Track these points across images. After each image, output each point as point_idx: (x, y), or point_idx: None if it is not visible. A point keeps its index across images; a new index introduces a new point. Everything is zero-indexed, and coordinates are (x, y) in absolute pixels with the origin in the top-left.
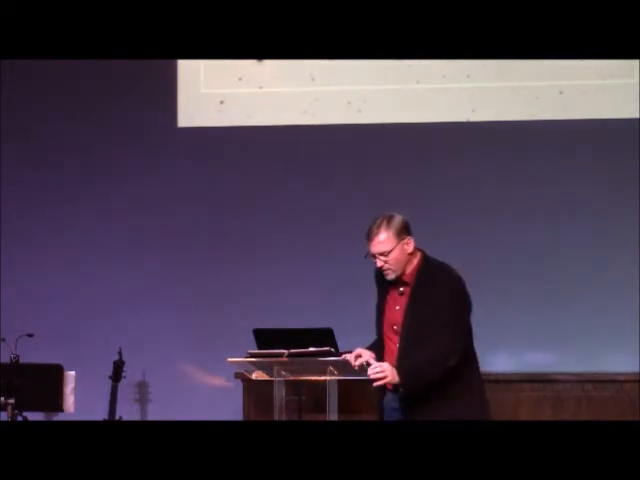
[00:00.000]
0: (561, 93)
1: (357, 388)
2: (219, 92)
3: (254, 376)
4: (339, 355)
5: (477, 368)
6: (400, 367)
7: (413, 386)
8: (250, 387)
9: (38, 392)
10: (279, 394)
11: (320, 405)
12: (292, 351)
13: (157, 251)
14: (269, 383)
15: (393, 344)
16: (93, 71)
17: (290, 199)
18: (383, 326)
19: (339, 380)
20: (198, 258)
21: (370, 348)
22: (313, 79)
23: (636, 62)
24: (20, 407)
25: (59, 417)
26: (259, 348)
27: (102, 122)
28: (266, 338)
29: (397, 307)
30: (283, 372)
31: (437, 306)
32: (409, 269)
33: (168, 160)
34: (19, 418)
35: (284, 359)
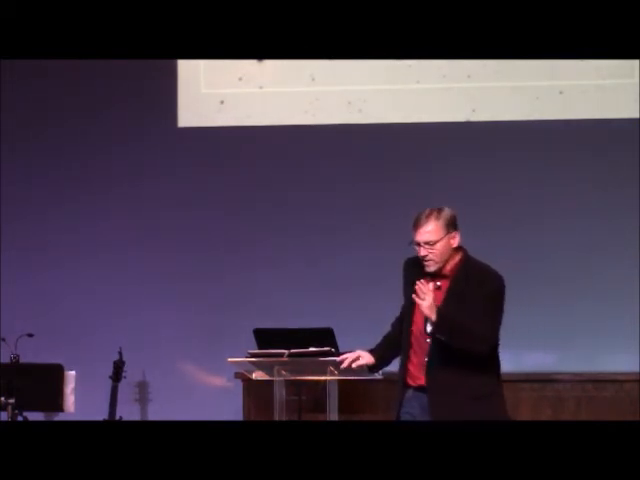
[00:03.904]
0: (561, 93)
1: (357, 388)
2: (219, 92)
3: (254, 376)
4: (339, 355)
5: (499, 370)
6: (441, 313)
7: (444, 330)
8: (250, 387)
9: (38, 392)
10: (279, 394)
11: (320, 405)
12: (292, 351)
13: (157, 251)
14: (269, 383)
15: (424, 338)
16: (93, 71)
17: (290, 199)
18: (413, 319)
19: (339, 380)
20: (198, 258)
21: (375, 350)
22: (313, 79)
23: (636, 62)
24: (20, 407)
25: (59, 417)
26: (259, 348)
27: (102, 122)
28: (266, 338)
29: None
30: (283, 372)
31: (476, 300)
32: (450, 264)
33: (168, 160)
34: (19, 418)
35: (284, 359)
